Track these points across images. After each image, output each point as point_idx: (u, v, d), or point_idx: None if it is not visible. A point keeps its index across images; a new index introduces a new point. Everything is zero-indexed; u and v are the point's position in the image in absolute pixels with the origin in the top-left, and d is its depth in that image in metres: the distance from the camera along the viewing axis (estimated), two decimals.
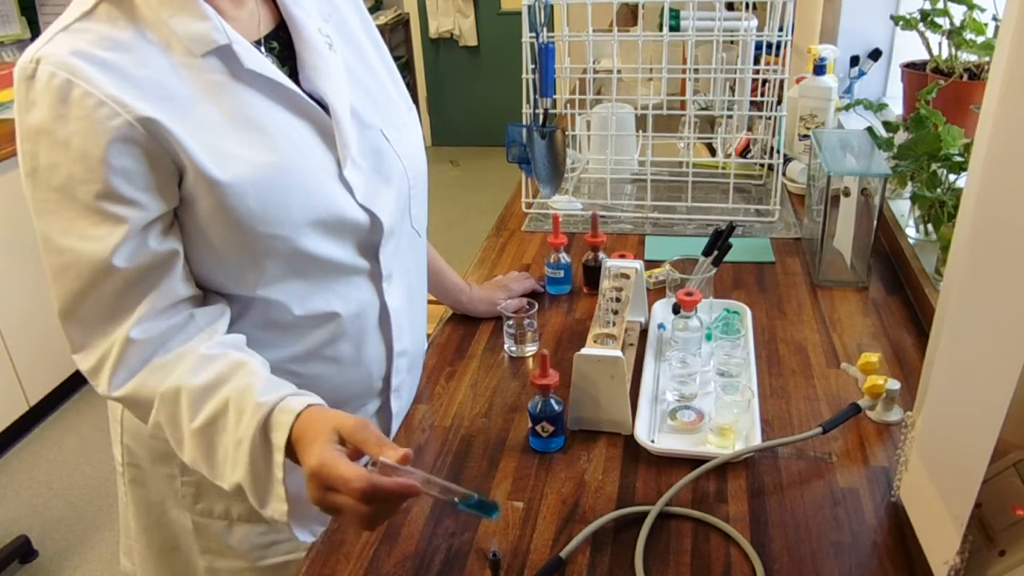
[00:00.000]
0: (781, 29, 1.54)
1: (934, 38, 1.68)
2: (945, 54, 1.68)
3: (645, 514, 0.88)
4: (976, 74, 1.62)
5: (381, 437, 0.72)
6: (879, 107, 1.87)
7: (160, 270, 0.80)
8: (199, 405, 0.77)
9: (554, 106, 1.43)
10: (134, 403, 0.82)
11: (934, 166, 1.35)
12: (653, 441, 0.99)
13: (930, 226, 1.41)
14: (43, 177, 0.75)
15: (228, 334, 0.84)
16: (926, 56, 1.73)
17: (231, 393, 0.77)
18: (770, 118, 1.64)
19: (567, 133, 1.61)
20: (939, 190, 1.35)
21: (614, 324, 1.05)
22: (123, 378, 0.80)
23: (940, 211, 1.35)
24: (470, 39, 5.38)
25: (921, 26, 1.66)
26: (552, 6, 1.48)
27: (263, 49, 0.87)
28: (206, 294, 0.86)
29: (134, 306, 0.79)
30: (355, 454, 0.71)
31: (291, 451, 0.74)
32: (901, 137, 1.49)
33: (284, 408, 0.75)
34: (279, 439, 0.74)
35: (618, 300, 1.09)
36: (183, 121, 0.77)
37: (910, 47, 1.91)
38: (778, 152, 1.63)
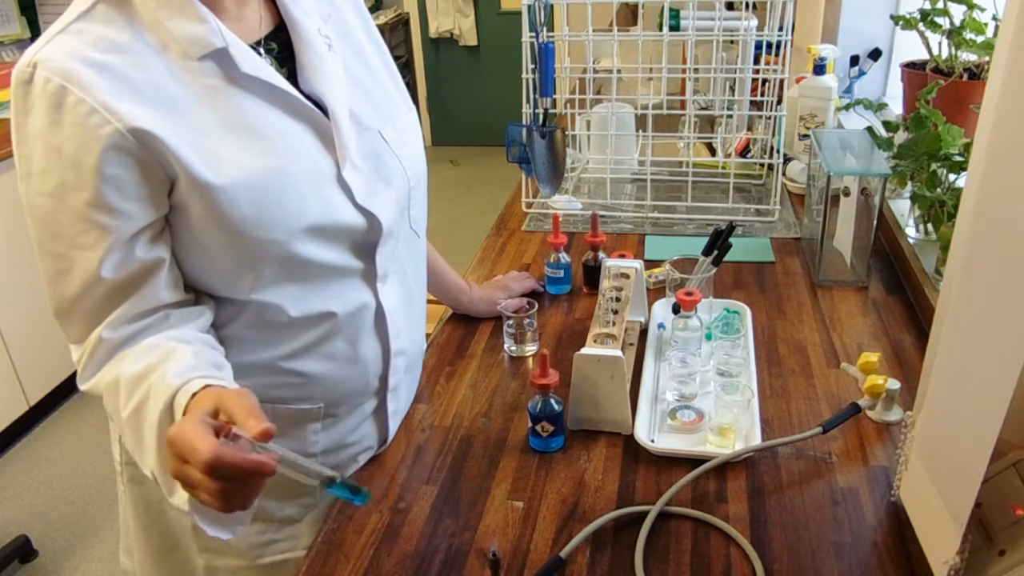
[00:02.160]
0: (781, 29, 1.54)
1: (934, 38, 1.68)
2: (945, 54, 1.68)
3: (645, 514, 0.88)
4: (976, 74, 1.62)
5: (252, 409, 0.67)
6: (879, 107, 1.88)
7: (144, 277, 0.80)
8: (131, 393, 0.77)
9: (554, 106, 1.43)
10: (97, 396, 0.83)
11: (934, 166, 1.35)
12: (653, 441, 0.99)
13: (930, 226, 1.41)
14: (36, 181, 0.76)
15: (194, 331, 0.83)
16: (926, 56, 1.73)
17: (154, 379, 0.76)
18: (770, 118, 1.64)
19: (567, 133, 1.61)
20: (939, 190, 1.35)
21: (614, 324, 1.05)
22: (89, 374, 0.82)
23: (940, 211, 1.35)
24: (470, 39, 5.38)
25: (921, 26, 1.66)
26: (552, 6, 1.48)
27: (262, 51, 0.86)
28: (197, 296, 0.86)
29: (113, 309, 0.80)
30: (225, 427, 0.67)
31: None
32: (901, 137, 1.49)
33: (186, 389, 0.73)
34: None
35: (618, 300, 1.09)
36: (178, 125, 0.77)
37: (910, 47, 1.91)
38: (778, 152, 1.63)
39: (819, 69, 1.80)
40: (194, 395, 0.72)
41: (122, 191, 0.76)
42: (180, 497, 0.73)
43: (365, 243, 0.92)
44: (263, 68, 0.83)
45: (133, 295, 0.80)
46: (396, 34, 5.43)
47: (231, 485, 0.64)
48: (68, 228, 0.76)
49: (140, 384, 0.77)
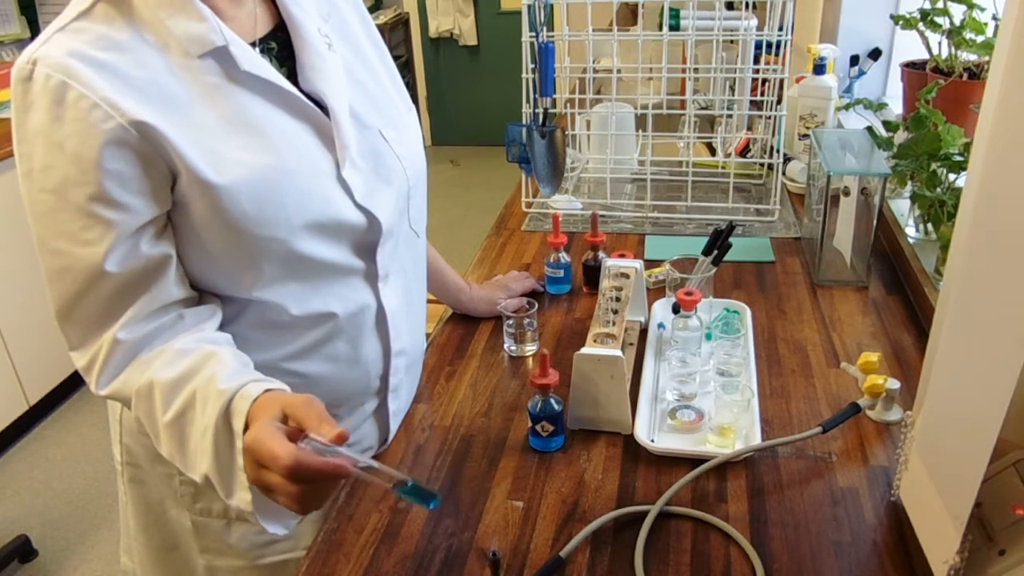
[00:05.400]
0: (781, 28, 1.54)
1: (934, 37, 1.68)
2: (945, 53, 1.68)
3: (645, 513, 0.88)
4: (976, 73, 1.62)
5: (323, 414, 0.69)
6: (879, 106, 1.87)
7: (153, 273, 0.80)
8: (170, 398, 0.77)
9: (554, 105, 1.43)
10: (120, 400, 0.82)
11: (934, 165, 1.35)
12: (653, 441, 0.99)
13: (930, 226, 1.41)
14: (38, 179, 0.76)
15: (214, 332, 0.84)
16: (926, 55, 1.73)
17: (199, 384, 0.76)
18: (770, 117, 1.64)
19: (567, 132, 1.61)
20: (939, 189, 1.35)
21: (614, 323, 1.05)
22: (108, 377, 0.81)
23: (940, 211, 1.35)
24: (470, 39, 5.38)
25: (921, 25, 1.66)
26: (552, 5, 1.48)
27: (258, 50, 0.86)
28: (201, 295, 0.86)
29: (125, 309, 0.79)
30: (296, 433, 0.69)
31: None
32: (901, 136, 1.49)
33: (244, 394, 0.74)
34: (238, 425, 0.73)
35: (618, 300, 1.09)
36: (179, 123, 0.77)
37: (910, 46, 1.91)
38: (778, 152, 1.63)
39: (819, 69, 1.80)
40: (255, 400, 0.73)
41: (125, 186, 0.76)
42: (240, 498, 0.74)
43: (365, 242, 0.92)
44: (263, 66, 0.83)
45: (144, 293, 0.80)
46: (396, 34, 5.43)
47: (310, 488, 0.67)
48: (71, 224, 0.76)
49: (180, 389, 0.77)
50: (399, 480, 0.69)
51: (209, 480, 0.76)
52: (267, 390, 0.74)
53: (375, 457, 1.03)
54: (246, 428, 0.72)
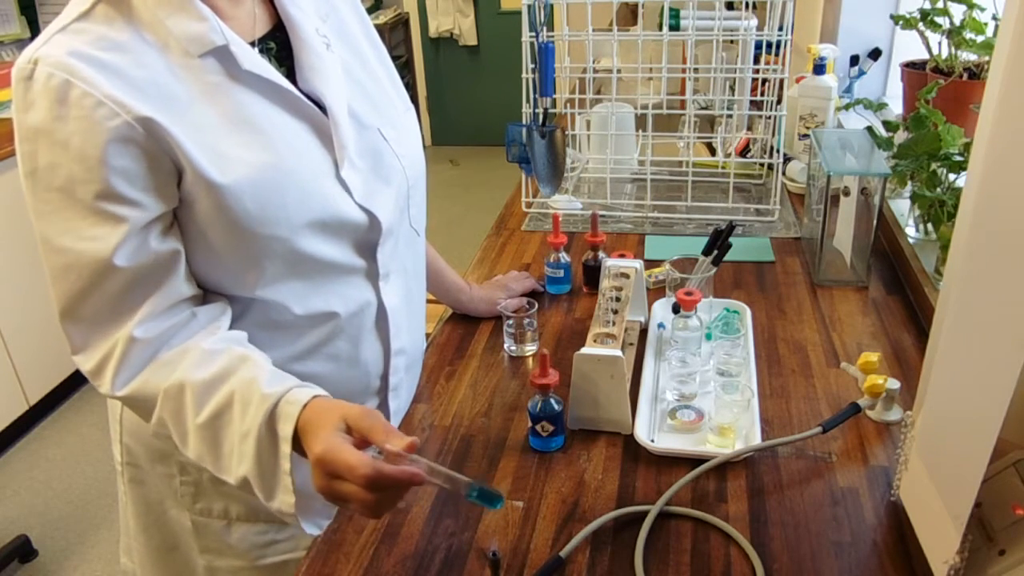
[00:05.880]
0: (781, 28, 1.54)
1: (934, 37, 1.68)
2: (945, 53, 1.68)
3: (645, 513, 0.88)
4: (976, 73, 1.62)
5: (388, 425, 0.72)
6: (879, 106, 1.87)
7: (163, 270, 0.80)
8: (204, 399, 0.77)
9: (554, 105, 1.43)
10: (138, 401, 0.82)
11: (934, 165, 1.35)
12: (653, 441, 0.99)
13: (930, 226, 1.41)
14: (43, 178, 0.75)
15: (230, 331, 0.84)
16: (926, 55, 1.73)
17: (236, 386, 0.77)
18: (770, 117, 1.64)
19: (567, 132, 1.61)
20: (939, 189, 1.35)
21: (614, 323, 1.05)
22: (127, 377, 0.80)
23: (940, 210, 1.35)
24: (470, 39, 5.38)
25: (921, 25, 1.66)
26: (552, 5, 1.48)
27: (259, 50, 0.86)
28: (207, 294, 0.86)
29: (137, 306, 0.79)
30: (361, 443, 0.71)
31: (296, 442, 0.74)
32: (901, 136, 1.49)
33: (290, 399, 0.75)
34: (285, 430, 0.74)
35: (618, 300, 1.09)
36: (181, 122, 0.77)
37: (910, 46, 1.91)
38: (778, 152, 1.63)
39: (819, 69, 1.80)
40: (305, 406, 0.74)
41: (132, 182, 0.76)
42: (283, 501, 0.76)
43: (366, 241, 0.92)
44: (263, 65, 0.83)
45: (156, 290, 0.80)
46: (396, 34, 5.43)
47: (384, 495, 0.69)
48: (78, 222, 0.76)
49: (214, 390, 0.77)
50: (466, 484, 0.71)
51: (247, 483, 0.77)
52: (315, 396, 0.76)
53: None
54: (294, 433, 0.74)
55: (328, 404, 0.75)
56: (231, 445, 0.77)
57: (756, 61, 1.81)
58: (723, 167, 1.78)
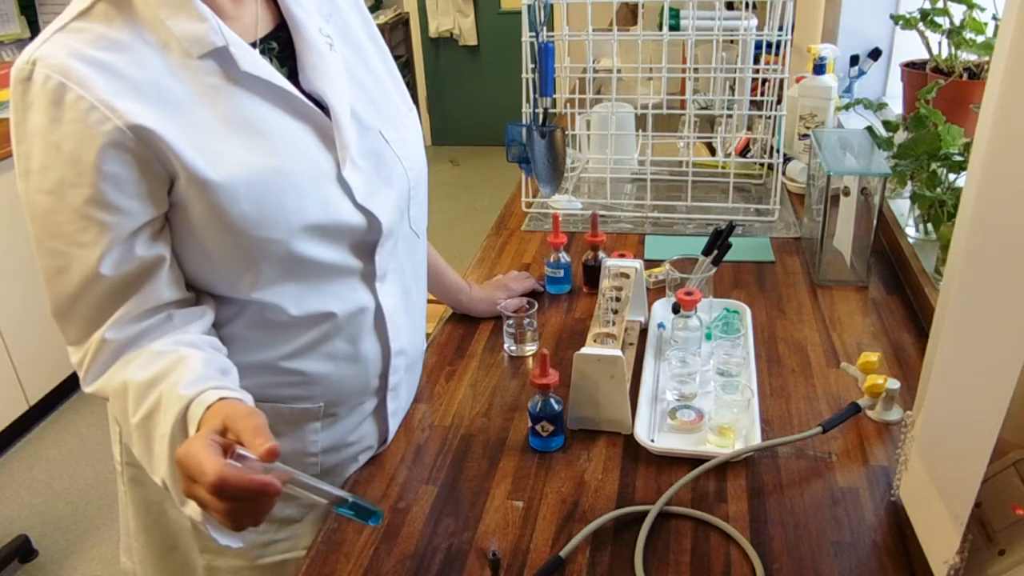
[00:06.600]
0: (781, 28, 1.54)
1: (934, 37, 1.68)
2: (945, 53, 1.68)
3: (645, 513, 0.88)
4: (976, 73, 1.62)
5: (259, 428, 0.67)
6: (879, 106, 1.88)
7: (145, 275, 0.80)
8: (140, 400, 0.77)
9: (554, 105, 1.43)
10: (103, 398, 0.83)
11: (934, 165, 1.35)
12: (653, 440, 0.99)
13: (930, 225, 1.41)
14: (35, 179, 0.76)
15: (199, 334, 0.83)
16: (926, 55, 1.73)
17: (164, 388, 0.76)
18: (770, 117, 1.64)
19: (567, 132, 1.61)
20: (939, 189, 1.35)
21: (614, 323, 1.05)
22: (94, 376, 0.81)
23: (940, 210, 1.35)
24: (470, 38, 5.38)
25: (921, 25, 1.66)
26: (552, 5, 1.48)
27: (261, 49, 0.86)
28: (198, 295, 0.86)
29: (115, 309, 0.80)
30: (232, 445, 0.67)
31: None
32: (901, 136, 1.49)
33: (200, 401, 0.73)
34: (192, 432, 0.72)
35: (618, 299, 1.09)
36: (178, 124, 0.77)
37: (910, 46, 1.91)
38: (778, 151, 1.63)
39: (819, 69, 1.80)
40: (208, 408, 0.72)
41: (121, 188, 0.76)
42: (192, 508, 0.73)
43: (364, 243, 0.92)
44: (263, 67, 0.83)
45: (135, 294, 0.80)
46: (396, 34, 5.43)
47: (239, 505, 0.64)
48: (67, 226, 0.76)
49: (150, 391, 0.77)
50: (337, 497, 0.67)
51: (166, 485, 0.76)
52: (221, 398, 0.73)
53: (375, 457, 1.03)
54: None
55: (222, 405, 0.72)
56: (159, 447, 0.76)
57: (756, 61, 1.81)
58: (723, 167, 1.78)
